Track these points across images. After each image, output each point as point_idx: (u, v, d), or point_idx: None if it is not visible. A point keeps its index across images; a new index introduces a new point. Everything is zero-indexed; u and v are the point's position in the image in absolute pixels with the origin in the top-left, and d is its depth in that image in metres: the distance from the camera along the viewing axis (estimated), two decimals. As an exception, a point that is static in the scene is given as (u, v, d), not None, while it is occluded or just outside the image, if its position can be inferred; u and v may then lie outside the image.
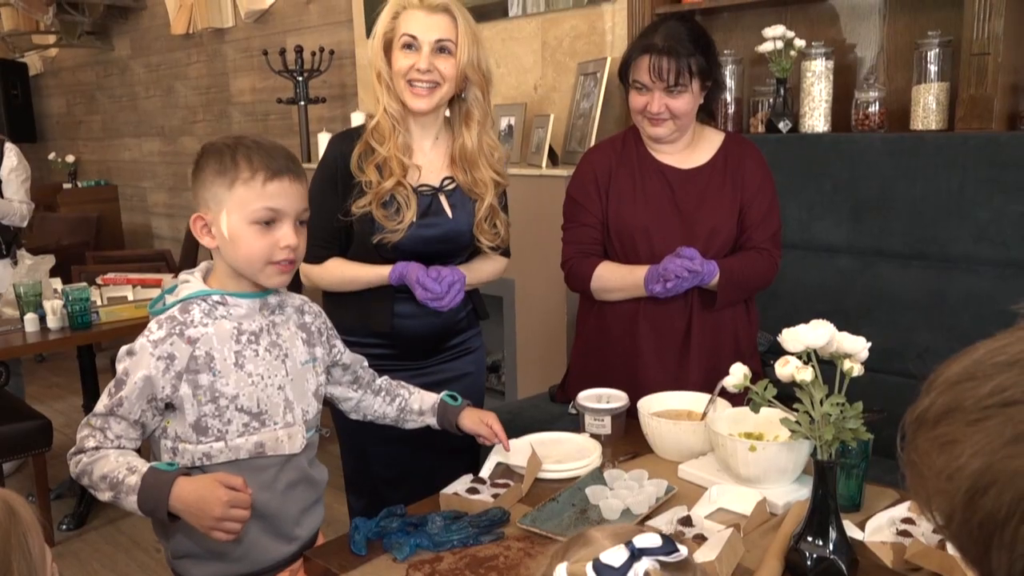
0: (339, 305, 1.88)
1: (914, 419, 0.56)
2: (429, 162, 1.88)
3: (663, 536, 0.77)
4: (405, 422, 1.65)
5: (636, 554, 0.74)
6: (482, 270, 1.97)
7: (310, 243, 1.45)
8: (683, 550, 0.77)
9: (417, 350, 1.93)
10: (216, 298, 1.36)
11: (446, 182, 1.89)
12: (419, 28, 1.79)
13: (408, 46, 1.79)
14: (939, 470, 0.53)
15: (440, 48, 1.79)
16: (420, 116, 1.85)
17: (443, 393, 1.65)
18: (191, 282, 1.38)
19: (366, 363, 1.63)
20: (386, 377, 1.66)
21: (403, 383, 1.67)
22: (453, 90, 1.84)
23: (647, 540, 0.76)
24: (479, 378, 2.07)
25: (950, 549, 1.17)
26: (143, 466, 1.27)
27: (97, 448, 1.30)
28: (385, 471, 1.96)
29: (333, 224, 1.84)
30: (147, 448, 1.39)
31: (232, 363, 1.34)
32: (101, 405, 1.31)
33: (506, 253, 2.01)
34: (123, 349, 1.32)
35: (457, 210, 1.88)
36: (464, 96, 1.87)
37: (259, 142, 1.34)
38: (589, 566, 0.73)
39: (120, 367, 1.31)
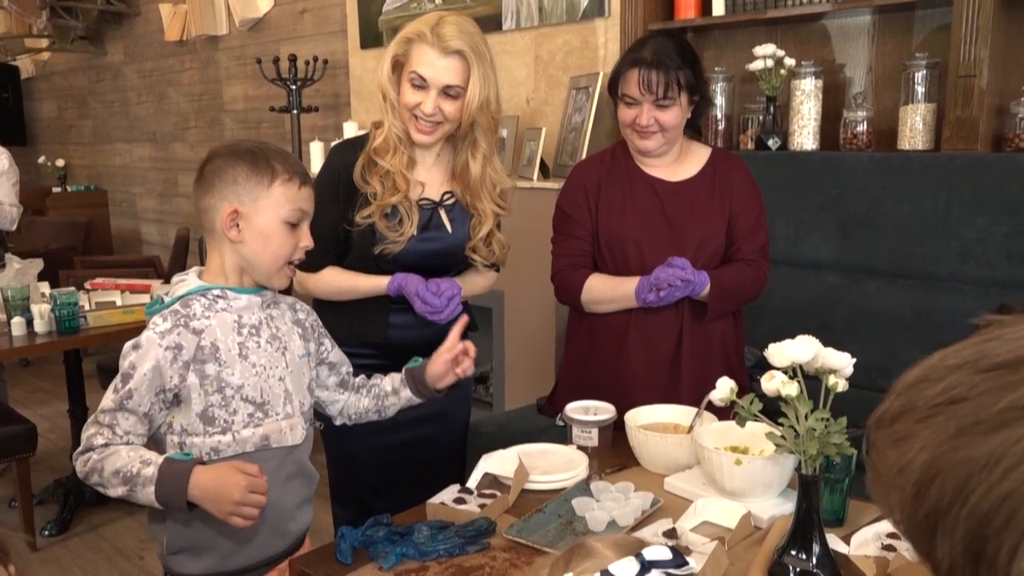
0: (331, 314, 1.86)
1: (874, 421, 0.60)
2: (430, 176, 1.89)
3: (672, 549, 0.76)
4: (386, 409, 1.63)
5: (646, 566, 0.74)
6: (475, 283, 1.98)
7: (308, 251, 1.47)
8: (693, 564, 0.76)
9: (408, 360, 1.92)
10: (216, 292, 1.38)
11: (446, 196, 1.90)
12: (429, 70, 1.75)
13: (416, 85, 1.76)
14: (891, 465, 0.56)
15: (448, 93, 1.76)
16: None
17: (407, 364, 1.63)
18: (187, 280, 1.40)
19: (350, 367, 1.63)
20: (362, 376, 1.66)
21: (375, 374, 1.66)
22: (458, 124, 1.82)
23: (657, 552, 0.75)
24: (467, 387, 2.08)
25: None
26: (158, 458, 1.27)
27: (106, 445, 1.30)
28: (372, 481, 1.96)
29: (332, 233, 1.84)
30: (151, 447, 1.38)
31: (236, 354, 1.36)
32: (108, 401, 1.31)
33: (496, 268, 2.02)
34: (128, 345, 1.33)
35: (456, 225, 1.89)
36: (472, 126, 1.84)
37: (276, 148, 1.40)
38: None
39: (125, 362, 1.32)
